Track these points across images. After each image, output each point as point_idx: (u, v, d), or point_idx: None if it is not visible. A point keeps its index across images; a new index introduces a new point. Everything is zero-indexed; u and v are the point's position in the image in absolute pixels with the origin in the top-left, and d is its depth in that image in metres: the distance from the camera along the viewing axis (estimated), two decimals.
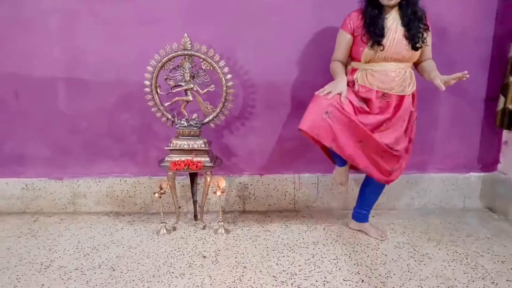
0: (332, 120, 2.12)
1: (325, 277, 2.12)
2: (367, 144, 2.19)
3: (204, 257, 2.33)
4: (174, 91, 2.49)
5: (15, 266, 2.26)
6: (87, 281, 2.11)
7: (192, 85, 2.48)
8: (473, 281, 2.07)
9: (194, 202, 2.77)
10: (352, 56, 2.32)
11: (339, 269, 2.19)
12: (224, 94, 2.48)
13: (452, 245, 2.42)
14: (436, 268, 2.18)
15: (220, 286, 2.05)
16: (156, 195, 2.55)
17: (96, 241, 2.52)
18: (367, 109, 2.23)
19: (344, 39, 2.26)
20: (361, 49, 2.20)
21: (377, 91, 2.21)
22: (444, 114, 2.77)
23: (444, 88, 2.10)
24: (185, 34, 2.41)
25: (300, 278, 2.11)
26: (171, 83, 2.49)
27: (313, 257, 2.31)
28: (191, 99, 2.51)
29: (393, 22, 2.15)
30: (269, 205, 2.95)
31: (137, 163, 2.89)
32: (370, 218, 2.60)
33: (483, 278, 2.09)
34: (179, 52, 2.42)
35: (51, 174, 2.91)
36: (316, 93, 2.19)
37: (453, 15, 2.59)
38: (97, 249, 2.43)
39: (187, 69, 2.46)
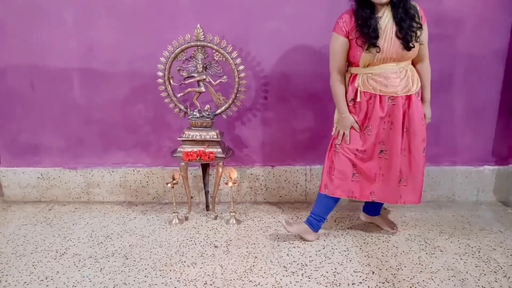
0: (362, 179, 2.25)
1: (335, 268, 2.12)
2: (410, 172, 2.21)
3: (216, 247, 2.35)
4: (186, 82, 2.51)
5: (31, 253, 2.31)
6: (101, 268, 2.15)
7: (204, 76, 2.49)
8: (484, 274, 2.06)
9: (206, 193, 2.79)
10: (349, 61, 2.16)
11: (350, 260, 2.20)
12: (237, 85, 2.49)
13: (464, 239, 2.40)
14: (448, 261, 2.18)
15: (231, 276, 2.07)
16: (169, 185, 2.57)
17: (110, 230, 2.56)
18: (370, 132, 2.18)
19: (340, 43, 2.09)
20: (358, 53, 2.06)
21: (381, 96, 2.10)
22: (458, 106, 2.73)
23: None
24: (198, 25, 2.41)
25: (310, 269, 2.12)
26: (184, 74, 2.50)
27: (323, 248, 2.32)
28: (204, 90, 2.52)
29: (388, 21, 2.00)
30: (280, 196, 2.95)
31: (150, 154, 2.92)
32: (382, 210, 2.59)
33: (495, 272, 2.08)
34: (192, 43, 2.43)
35: (65, 164, 2.96)
36: (333, 134, 2.28)
37: (469, 5, 2.54)
38: (110, 238, 2.47)
39: (199, 60, 2.46)
